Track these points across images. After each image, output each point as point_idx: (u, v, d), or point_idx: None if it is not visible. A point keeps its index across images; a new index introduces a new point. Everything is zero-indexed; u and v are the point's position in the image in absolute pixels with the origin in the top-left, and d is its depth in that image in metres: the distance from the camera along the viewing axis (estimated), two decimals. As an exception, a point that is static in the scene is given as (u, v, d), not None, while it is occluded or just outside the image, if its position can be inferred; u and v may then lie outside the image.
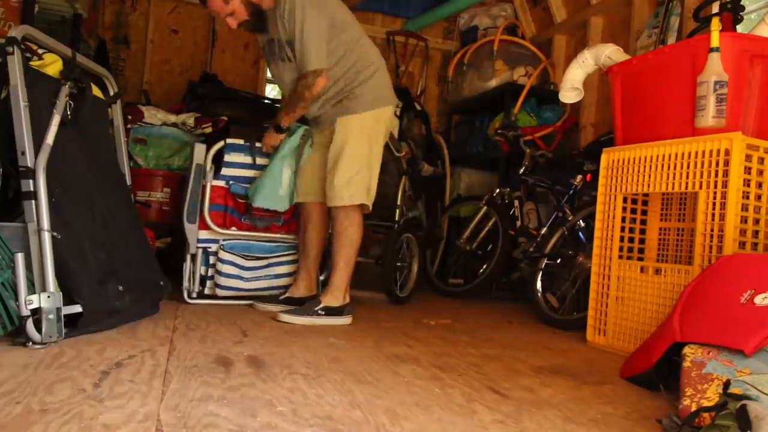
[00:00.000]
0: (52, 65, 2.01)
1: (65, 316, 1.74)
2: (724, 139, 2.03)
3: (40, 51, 1.99)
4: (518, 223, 3.64)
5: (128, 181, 2.56)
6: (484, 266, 3.71)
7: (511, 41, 4.72)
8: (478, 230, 3.83)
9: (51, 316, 1.67)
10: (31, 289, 1.69)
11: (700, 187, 2.10)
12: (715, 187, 2.05)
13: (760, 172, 2.05)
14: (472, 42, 4.95)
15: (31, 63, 1.91)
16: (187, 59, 5.20)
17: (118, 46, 4.98)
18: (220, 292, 2.74)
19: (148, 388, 1.32)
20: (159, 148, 3.30)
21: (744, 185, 2.01)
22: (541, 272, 3.18)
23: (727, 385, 1.28)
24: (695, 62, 2.14)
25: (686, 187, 2.17)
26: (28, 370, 1.38)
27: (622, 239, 2.47)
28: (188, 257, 2.73)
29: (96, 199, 2.12)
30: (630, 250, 2.50)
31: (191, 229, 2.72)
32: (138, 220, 2.51)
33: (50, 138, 1.86)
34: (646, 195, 2.56)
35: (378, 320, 2.73)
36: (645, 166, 2.31)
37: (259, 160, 2.84)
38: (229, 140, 2.80)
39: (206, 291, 2.78)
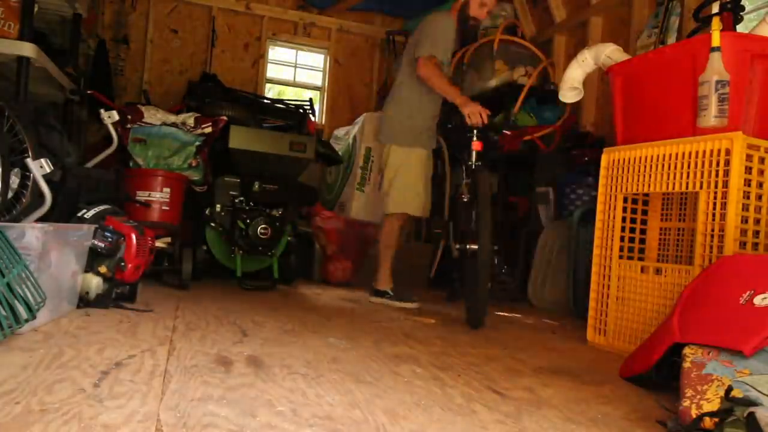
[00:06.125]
0: None
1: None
2: (725, 139, 2.03)
3: None
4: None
5: None
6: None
7: (511, 41, 4.72)
8: None
9: None
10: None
11: (701, 187, 2.10)
12: (716, 187, 2.05)
13: (761, 172, 2.05)
14: (472, 42, 4.95)
15: None
16: (187, 59, 5.20)
17: (117, 46, 4.98)
18: None
19: (148, 388, 1.32)
20: (159, 148, 3.30)
21: (745, 185, 2.01)
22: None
23: (729, 391, 1.27)
24: (696, 62, 2.14)
25: (687, 187, 2.17)
26: (27, 370, 1.38)
27: (622, 239, 2.47)
28: None
29: None
30: (630, 250, 2.50)
31: None
32: None
33: None
34: (646, 195, 2.56)
35: (377, 320, 2.73)
36: (645, 166, 2.31)
37: None
38: None
39: None
